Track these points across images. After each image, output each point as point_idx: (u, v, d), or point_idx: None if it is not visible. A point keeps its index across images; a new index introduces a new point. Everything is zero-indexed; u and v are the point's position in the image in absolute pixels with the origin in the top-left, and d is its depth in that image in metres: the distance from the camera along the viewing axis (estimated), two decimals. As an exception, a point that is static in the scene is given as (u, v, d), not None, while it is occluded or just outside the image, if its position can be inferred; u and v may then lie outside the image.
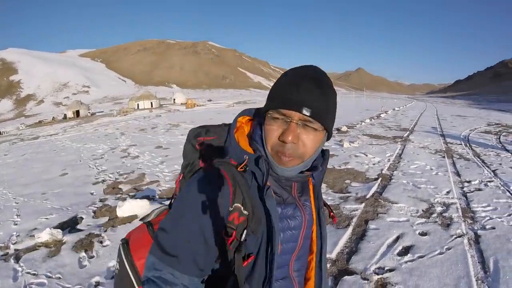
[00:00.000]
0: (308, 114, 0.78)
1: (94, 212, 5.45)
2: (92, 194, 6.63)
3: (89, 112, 53.23)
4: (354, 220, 4.42)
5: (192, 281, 0.76)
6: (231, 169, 0.82)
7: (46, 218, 5.41)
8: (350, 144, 9.30)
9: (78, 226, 4.84)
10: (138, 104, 51.15)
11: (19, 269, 3.72)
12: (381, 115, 24.07)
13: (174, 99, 53.95)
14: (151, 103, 50.37)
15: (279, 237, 0.82)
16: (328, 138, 0.88)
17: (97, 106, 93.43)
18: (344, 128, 13.48)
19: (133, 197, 5.79)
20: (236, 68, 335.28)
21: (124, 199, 5.47)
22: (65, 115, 52.81)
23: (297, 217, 0.90)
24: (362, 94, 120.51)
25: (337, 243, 3.78)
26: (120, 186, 6.79)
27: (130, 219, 4.82)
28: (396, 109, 33.28)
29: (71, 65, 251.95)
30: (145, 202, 5.04)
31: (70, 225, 4.91)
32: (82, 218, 5.17)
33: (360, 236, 4.00)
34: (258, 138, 0.87)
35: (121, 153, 10.93)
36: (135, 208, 4.95)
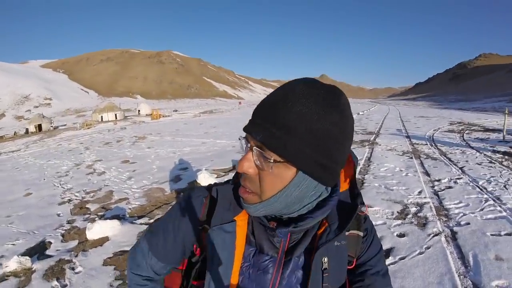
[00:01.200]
0: (256, 137, 0.62)
1: (63, 235, 5.10)
2: (58, 215, 6.24)
3: (52, 126, 50.78)
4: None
5: (156, 264, 0.84)
6: (224, 189, 0.79)
7: (13, 244, 5.04)
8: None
9: (47, 252, 4.55)
10: (102, 116, 49.48)
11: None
12: (346, 120, 24.49)
13: (139, 110, 52.61)
14: (115, 115, 48.87)
15: (214, 278, 0.74)
16: (323, 181, 0.65)
17: (60, 119, 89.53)
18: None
19: (102, 217, 5.53)
20: (201, 78, 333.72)
21: (93, 220, 5.22)
22: (27, 129, 50.25)
23: (267, 272, 0.74)
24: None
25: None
26: (87, 206, 6.46)
27: (100, 241, 4.57)
28: (360, 113, 34.13)
29: (32, 76, 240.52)
30: (116, 222, 4.81)
31: (38, 251, 4.59)
32: (50, 243, 4.84)
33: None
34: None
35: (87, 169, 10.46)
36: (105, 229, 4.70)
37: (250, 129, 0.64)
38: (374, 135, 14.28)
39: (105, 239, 4.58)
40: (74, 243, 4.73)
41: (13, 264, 4.02)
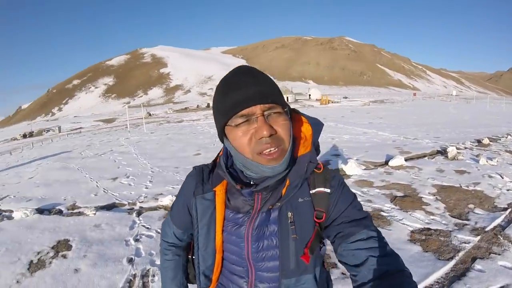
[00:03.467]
0: (266, 101, 0.76)
1: None
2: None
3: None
4: (460, 254, 3.39)
5: (176, 230, 1.09)
6: (207, 166, 1.01)
7: (172, 187, 6.29)
8: (487, 161, 7.21)
9: None
10: (274, 99, 53.29)
11: (138, 221, 4.59)
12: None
13: (310, 95, 53.99)
14: (287, 97, 51.49)
15: (202, 237, 0.94)
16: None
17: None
18: (485, 141, 10.52)
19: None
20: (374, 64, 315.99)
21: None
22: (208, 104, 58.80)
23: (242, 225, 0.89)
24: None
25: (428, 276, 2.98)
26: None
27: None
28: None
29: (214, 61, 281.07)
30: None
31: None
32: None
33: (459, 275, 3.03)
34: (222, 161, 0.91)
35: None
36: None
37: (257, 100, 0.75)
38: None
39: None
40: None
41: (166, 200, 5.29)
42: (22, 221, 5.43)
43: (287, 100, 50.70)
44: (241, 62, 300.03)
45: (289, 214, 0.86)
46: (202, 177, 0.97)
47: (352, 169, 6.24)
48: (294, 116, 0.92)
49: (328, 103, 35.32)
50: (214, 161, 1.00)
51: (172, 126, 25.23)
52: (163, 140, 15.31)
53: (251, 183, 0.87)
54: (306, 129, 0.91)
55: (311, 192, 0.90)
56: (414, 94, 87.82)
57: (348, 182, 5.23)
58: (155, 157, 10.07)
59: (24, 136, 47.64)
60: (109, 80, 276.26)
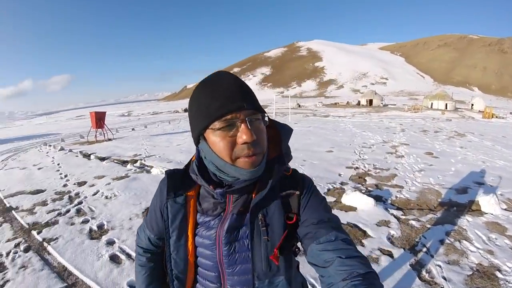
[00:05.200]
0: (250, 107, 0.81)
1: (328, 189, 6.03)
2: (339, 175, 7.21)
3: (382, 103, 54.58)
4: None
5: (150, 235, 1.14)
6: (179, 171, 1.03)
7: None
8: None
9: None
10: (432, 103, 47.51)
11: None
12: None
13: (472, 104, 46.20)
14: (446, 104, 45.44)
15: (173, 240, 0.97)
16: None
17: (392, 99, 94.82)
18: None
19: (369, 192, 5.84)
20: None
21: (356, 190, 5.60)
22: (359, 101, 56.89)
23: (212, 228, 0.94)
24: None
25: None
26: (366, 178, 6.92)
27: (348, 208, 4.99)
28: None
29: (370, 57, 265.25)
30: (371, 200, 4.98)
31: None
32: None
33: None
34: (195, 165, 0.95)
35: (389, 149, 10.87)
36: (357, 201, 5.02)
37: (241, 106, 0.80)
38: None
39: (352, 208, 4.95)
40: (331, 198, 5.52)
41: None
42: (157, 176, 7.31)
43: (445, 107, 44.88)
44: (399, 59, 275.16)
45: (260, 216, 0.91)
46: (174, 181, 1.00)
47: (488, 206, 5.10)
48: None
49: (492, 117, 29.56)
50: (186, 166, 1.03)
51: (317, 120, 25.81)
52: (303, 132, 16.08)
53: (224, 184, 0.91)
54: (276, 134, 0.96)
55: (281, 194, 0.95)
56: None
57: (474, 221, 4.54)
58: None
59: (185, 110, 55.29)
60: (266, 70, 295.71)
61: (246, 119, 0.79)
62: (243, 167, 0.82)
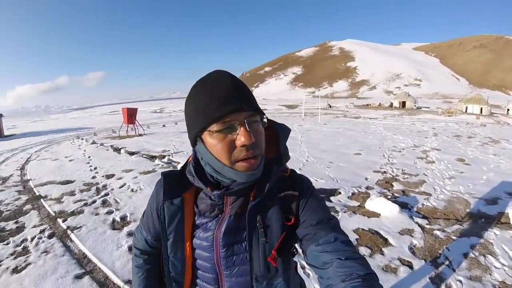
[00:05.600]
0: (249, 109, 0.78)
1: (353, 193, 5.85)
2: (366, 179, 6.99)
3: (415, 106, 53.04)
4: None
5: (147, 237, 1.12)
6: (175, 173, 1.01)
7: (315, 180, 6.60)
8: None
9: (333, 198, 5.56)
10: (466, 107, 45.41)
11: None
12: None
13: (508, 110, 43.67)
14: (481, 108, 43.28)
15: (170, 242, 0.95)
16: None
17: (425, 101, 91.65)
18: None
19: (395, 198, 5.63)
20: None
21: (381, 196, 5.41)
22: (391, 103, 55.60)
23: (209, 230, 0.92)
24: None
25: None
26: (393, 183, 6.66)
27: (371, 214, 4.80)
28: None
29: (404, 58, 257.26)
30: (396, 207, 4.75)
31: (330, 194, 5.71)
32: (340, 193, 5.81)
33: None
34: (191, 167, 0.93)
35: (420, 153, 10.45)
36: (382, 207, 4.82)
37: (241, 107, 0.77)
38: None
39: (376, 214, 4.75)
40: (354, 203, 5.32)
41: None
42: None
43: (480, 111, 42.80)
44: (434, 60, 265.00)
45: (258, 217, 0.89)
46: (171, 183, 0.98)
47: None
48: None
49: (529, 123, 27.76)
50: (183, 167, 1.01)
51: (347, 121, 25.43)
52: (332, 133, 15.86)
53: (221, 186, 0.89)
54: (274, 135, 0.93)
55: (279, 195, 0.93)
56: None
57: (502, 235, 4.17)
58: (316, 148, 10.72)
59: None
60: (297, 70, 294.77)
61: (245, 121, 0.77)
62: (241, 170, 0.80)
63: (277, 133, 0.93)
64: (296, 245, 0.97)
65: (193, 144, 0.87)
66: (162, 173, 1.02)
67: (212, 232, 0.91)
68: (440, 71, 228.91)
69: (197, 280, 0.99)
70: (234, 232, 0.90)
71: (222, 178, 0.85)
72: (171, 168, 8.02)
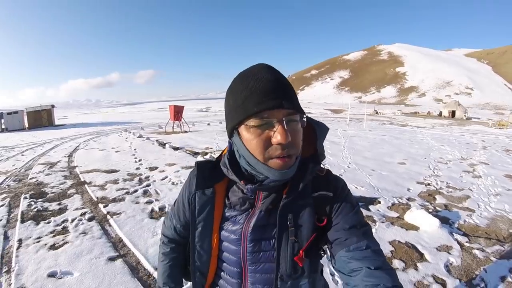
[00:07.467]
0: (290, 107, 0.75)
1: (393, 204, 5.62)
2: (408, 190, 6.67)
3: (465, 116, 50.07)
4: None
5: (177, 225, 1.15)
6: (207, 164, 1.00)
7: (356, 188, 6.40)
8: None
9: (371, 207, 5.41)
10: (518, 119, 42.48)
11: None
12: None
13: None
14: None
15: (198, 232, 0.95)
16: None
17: (476, 111, 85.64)
18: None
19: (436, 212, 5.33)
20: None
21: (422, 208, 5.17)
22: (440, 112, 52.97)
23: (238, 223, 0.92)
24: None
25: None
26: (436, 196, 6.30)
27: (410, 226, 4.57)
28: None
29: (455, 64, 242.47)
30: (437, 222, 4.48)
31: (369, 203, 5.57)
32: (379, 202, 5.63)
33: None
34: (226, 159, 0.92)
35: (467, 167, 9.76)
36: (421, 220, 4.58)
37: (281, 104, 0.74)
38: None
39: (415, 227, 4.51)
40: (393, 214, 5.10)
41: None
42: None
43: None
44: (486, 68, 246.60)
45: (289, 215, 0.87)
46: (204, 173, 0.97)
47: None
48: None
49: None
50: (218, 158, 1.00)
51: (393, 129, 24.54)
52: (376, 140, 15.38)
53: (255, 180, 0.87)
54: (311, 132, 0.91)
55: (313, 195, 0.90)
56: None
57: None
58: (359, 154, 10.44)
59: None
60: (344, 74, 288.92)
61: (284, 119, 0.75)
62: (274, 167, 0.79)
63: (315, 131, 0.91)
64: (324, 248, 0.95)
65: (230, 135, 0.86)
66: (196, 162, 1.01)
67: (241, 226, 0.91)
68: (493, 80, 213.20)
69: (221, 273, 0.99)
70: (263, 228, 0.89)
71: (256, 172, 0.84)
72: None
